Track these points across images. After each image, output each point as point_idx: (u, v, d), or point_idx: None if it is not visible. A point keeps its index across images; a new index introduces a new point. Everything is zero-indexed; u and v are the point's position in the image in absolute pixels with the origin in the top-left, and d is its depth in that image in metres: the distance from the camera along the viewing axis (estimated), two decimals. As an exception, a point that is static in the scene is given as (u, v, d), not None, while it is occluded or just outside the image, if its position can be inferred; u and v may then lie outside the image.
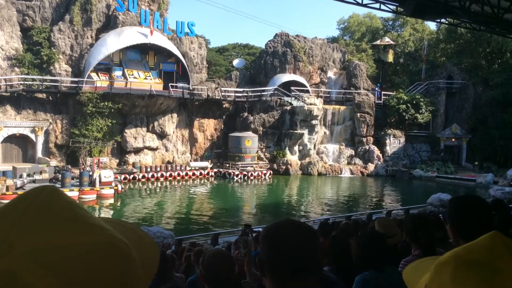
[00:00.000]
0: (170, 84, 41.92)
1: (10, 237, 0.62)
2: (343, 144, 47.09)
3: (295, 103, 44.98)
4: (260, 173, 41.43)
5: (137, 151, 40.74)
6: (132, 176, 37.69)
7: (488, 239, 0.91)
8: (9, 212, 0.66)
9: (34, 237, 0.63)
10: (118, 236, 0.68)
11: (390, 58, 53.18)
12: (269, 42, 51.00)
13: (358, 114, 46.52)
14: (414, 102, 46.19)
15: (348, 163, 46.01)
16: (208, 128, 45.61)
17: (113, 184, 31.17)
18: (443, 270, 0.91)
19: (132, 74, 41.67)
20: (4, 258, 0.60)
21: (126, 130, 40.06)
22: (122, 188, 32.39)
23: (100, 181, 30.27)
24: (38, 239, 0.63)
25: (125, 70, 41.61)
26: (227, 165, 42.04)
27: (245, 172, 40.76)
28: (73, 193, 27.65)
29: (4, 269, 0.59)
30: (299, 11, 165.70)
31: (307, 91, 47.50)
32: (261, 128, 44.26)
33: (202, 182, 39.92)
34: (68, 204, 0.70)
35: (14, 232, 0.63)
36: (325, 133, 47.14)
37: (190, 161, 43.04)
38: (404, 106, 45.92)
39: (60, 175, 30.66)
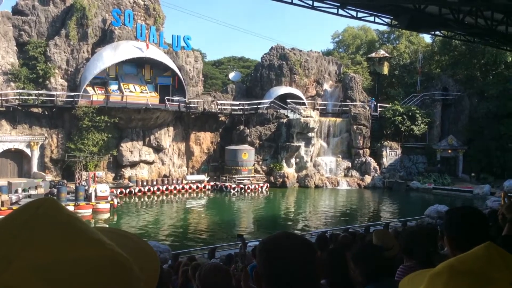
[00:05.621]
0: (166, 97, 41.95)
1: (10, 252, 0.61)
2: (340, 156, 47.09)
3: (291, 115, 45.07)
4: (257, 186, 41.31)
5: (133, 165, 40.60)
6: (128, 190, 37.49)
7: (483, 249, 0.91)
8: (8, 226, 0.65)
9: (34, 252, 0.62)
10: (119, 251, 0.67)
11: (386, 70, 53.42)
12: (264, 55, 51.24)
13: (354, 126, 46.58)
14: (410, 113, 46.38)
15: (345, 175, 45.99)
16: (204, 141, 45.54)
17: (109, 198, 31.00)
18: (437, 281, 0.91)
19: (128, 88, 41.70)
20: (3, 274, 0.59)
21: (122, 144, 39.97)
22: (118, 203, 32.22)
23: (95, 196, 30.07)
24: (38, 254, 0.61)
25: (121, 84, 41.65)
26: (224, 178, 41.91)
27: (241, 185, 40.63)
28: (68, 208, 27.34)
29: (3, 286, 0.58)
30: (294, 25, 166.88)
31: (303, 104, 47.66)
32: (258, 141, 44.22)
33: (199, 195, 39.75)
34: (68, 218, 0.68)
35: (14, 248, 0.61)
36: (321, 145, 47.17)
37: (187, 174, 42.92)
38: (400, 118, 46.09)
39: (55, 190, 30.48)
